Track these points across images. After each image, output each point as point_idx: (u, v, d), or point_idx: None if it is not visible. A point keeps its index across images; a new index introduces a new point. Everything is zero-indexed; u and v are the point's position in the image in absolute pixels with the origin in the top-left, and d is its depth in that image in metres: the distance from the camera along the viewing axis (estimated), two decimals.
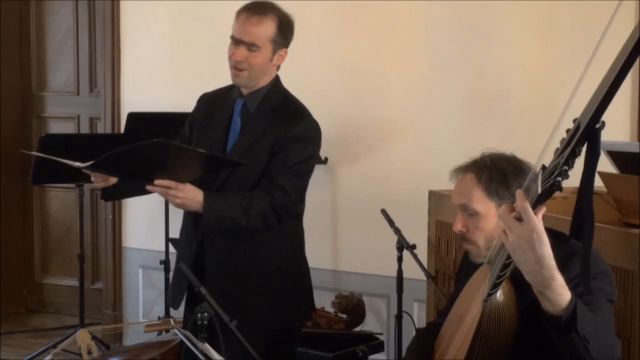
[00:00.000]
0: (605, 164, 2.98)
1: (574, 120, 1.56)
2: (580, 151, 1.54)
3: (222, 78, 2.99)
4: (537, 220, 1.59)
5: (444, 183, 3.65)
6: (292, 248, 2.93)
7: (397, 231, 3.42)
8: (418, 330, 2.58)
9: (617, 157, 2.95)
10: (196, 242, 2.86)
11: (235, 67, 2.80)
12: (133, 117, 4.39)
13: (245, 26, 2.78)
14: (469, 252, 2.14)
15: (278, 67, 2.91)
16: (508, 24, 3.99)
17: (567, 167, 1.53)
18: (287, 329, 2.92)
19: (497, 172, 2.06)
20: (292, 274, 2.92)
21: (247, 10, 2.81)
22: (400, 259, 3.45)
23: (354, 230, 4.37)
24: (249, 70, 2.79)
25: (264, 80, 2.86)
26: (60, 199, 5.77)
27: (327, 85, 4.40)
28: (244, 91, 2.87)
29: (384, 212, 3.50)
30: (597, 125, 1.52)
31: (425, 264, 3.34)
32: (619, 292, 2.36)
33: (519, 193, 1.61)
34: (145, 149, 2.53)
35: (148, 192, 2.75)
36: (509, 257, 1.76)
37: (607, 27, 1.52)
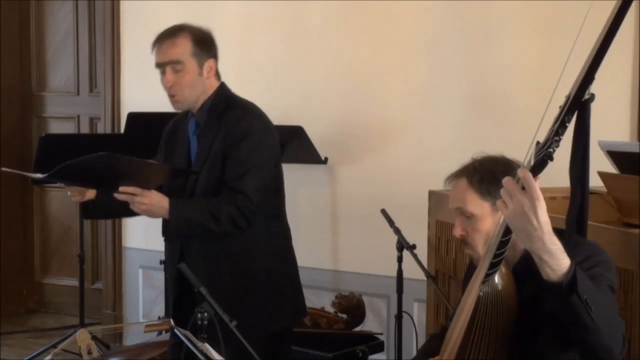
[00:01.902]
0: (605, 164, 2.98)
1: (566, 96, 1.63)
2: (569, 120, 1.61)
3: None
4: (539, 189, 1.64)
5: (444, 183, 3.64)
6: (278, 250, 2.93)
7: (397, 231, 3.43)
8: (431, 335, 2.62)
9: (617, 157, 2.94)
10: (177, 258, 2.87)
11: (170, 94, 2.85)
12: (133, 117, 4.40)
13: (161, 51, 2.86)
14: (471, 257, 2.18)
15: (219, 77, 2.92)
16: (508, 24, 3.99)
17: (557, 137, 1.60)
18: (280, 331, 2.93)
19: (486, 173, 2.12)
20: (282, 276, 2.93)
21: (158, 39, 2.90)
22: (400, 259, 3.45)
23: (354, 230, 4.37)
24: (182, 93, 2.82)
25: (205, 96, 2.88)
26: (60, 199, 5.76)
27: (327, 85, 4.40)
28: (194, 110, 2.91)
29: (384, 212, 3.50)
30: (586, 97, 1.60)
31: (425, 264, 3.34)
32: (619, 292, 2.36)
33: (520, 169, 1.66)
34: (92, 161, 2.57)
35: (129, 214, 2.78)
36: (505, 234, 1.79)
37: (583, 25, 1.68)
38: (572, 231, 1.78)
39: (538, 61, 3.92)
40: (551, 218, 1.69)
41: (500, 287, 1.91)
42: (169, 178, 2.86)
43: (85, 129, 5.68)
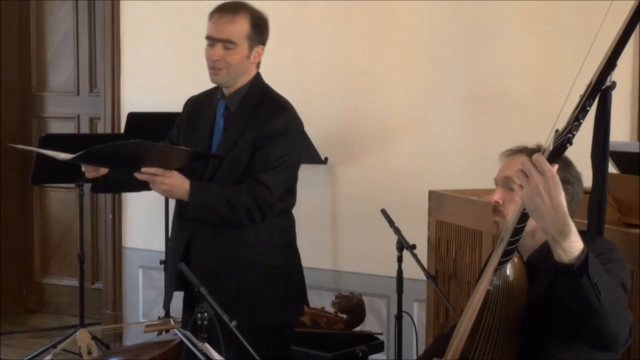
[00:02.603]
0: None
1: (587, 85, 1.64)
2: (590, 104, 1.64)
3: None
4: (554, 170, 1.68)
5: (444, 183, 3.66)
6: (282, 244, 2.94)
7: (397, 231, 3.42)
8: (439, 334, 2.63)
9: (617, 157, 2.94)
10: (183, 244, 2.88)
11: (214, 67, 2.83)
12: (133, 117, 4.39)
13: (219, 25, 2.82)
14: (497, 224, 2.20)
15: (258, 65, 2.93)
16: (508, 24, 3.99)
17: (577, 123, 1.63)
18: (281, 326, 2.92)
19: None
20: (284, 271, 2.93)
21: (219, 10, 2.85)
22: (400, 259, 3.45)
23: (354, 230, 4.37)
24: (227, 69, 2.82)
25: (243, 79, 2.88)
26: (60, 199, 5.77)
27: (327, 85, 4.40)
28: (225, 92, 2.90)
29: (384, 212, 3.50)
30: (608, 84, 1.62)
31: (425, 264, 3.34)
32: None
33: (535, 154, 1.70)
34: (125, 147, 2.63)
35: (138, 189, 2.79)
36: (520, 221, 1.81)
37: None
38: (594, 218, 1.78)
39: (538, 61, 3.92)
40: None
41: (511, 277, 1.93)
42: (192, 161, 2.84)
43: (85, 129, 5.68)
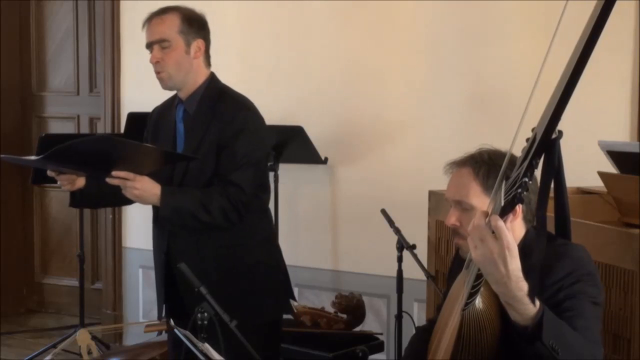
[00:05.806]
0: (605, 164, 2.98)
1: (533, 130, 1.58)
2: (537, 164, 1.55)
3: (221, 77, 2.99)
4: (511, 237, 1.60)
5: (444, 183, 3.66)
6: (262, 241, 2.93)
7: (397, 231, 3.42)
8: (417, 329, 2.58)
9: (617, 157, 2.94)
10: (164, 251, 2.88)
11: (157, 72, 2.85)
12: (133, 117, 4.40)
13: (150, 29, 2.89)
14: (460, 247, 2.11)
15: (208, 63, 2.91)
16: (508, 24, 3.99)
17: (526, 179, 1.53)
18: (268, 324, 2.93)
19: (495, 168, 2.02)
20: (266, 269, 2.93)
21: (148, 18, 2.93)
22: (400, 259, 3.45)
23: (354, 230, 4.37)
24: (167, 70, 2.83)
25: (195, 79, 2.86)
26: (60, 199, 5.76)
27: (328, 85, 4.40)
28: (182, 96, 2.89)
29: (384, 212, 3.50)
30: (554, 136, 1.54)
31: (425, 264, 3.34)
32: (619, 292, 2.36)
33: (492, 215, 1.61)
34: (91, 143, 2.61)
35: (118, 204, 2.77)
36: (476, 279, 1.76)
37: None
38: (534, 283, 1.70)
39: (538, 61, 3.90)
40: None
41: (480, 307, 1.84)
42: (163, 163, 2.83)
43: (85, 129, 5.68)
